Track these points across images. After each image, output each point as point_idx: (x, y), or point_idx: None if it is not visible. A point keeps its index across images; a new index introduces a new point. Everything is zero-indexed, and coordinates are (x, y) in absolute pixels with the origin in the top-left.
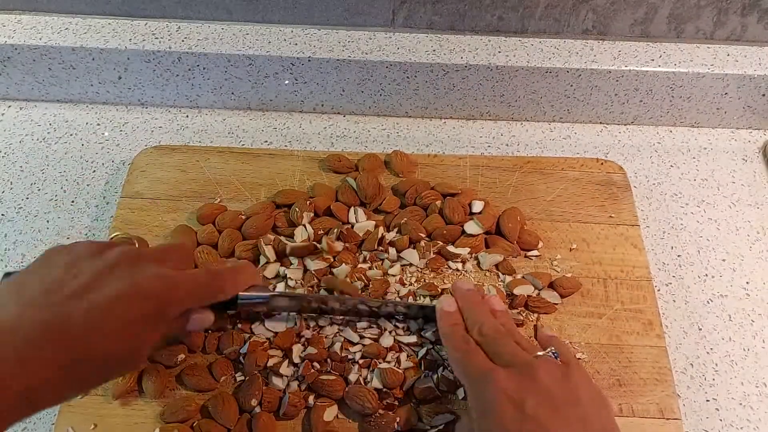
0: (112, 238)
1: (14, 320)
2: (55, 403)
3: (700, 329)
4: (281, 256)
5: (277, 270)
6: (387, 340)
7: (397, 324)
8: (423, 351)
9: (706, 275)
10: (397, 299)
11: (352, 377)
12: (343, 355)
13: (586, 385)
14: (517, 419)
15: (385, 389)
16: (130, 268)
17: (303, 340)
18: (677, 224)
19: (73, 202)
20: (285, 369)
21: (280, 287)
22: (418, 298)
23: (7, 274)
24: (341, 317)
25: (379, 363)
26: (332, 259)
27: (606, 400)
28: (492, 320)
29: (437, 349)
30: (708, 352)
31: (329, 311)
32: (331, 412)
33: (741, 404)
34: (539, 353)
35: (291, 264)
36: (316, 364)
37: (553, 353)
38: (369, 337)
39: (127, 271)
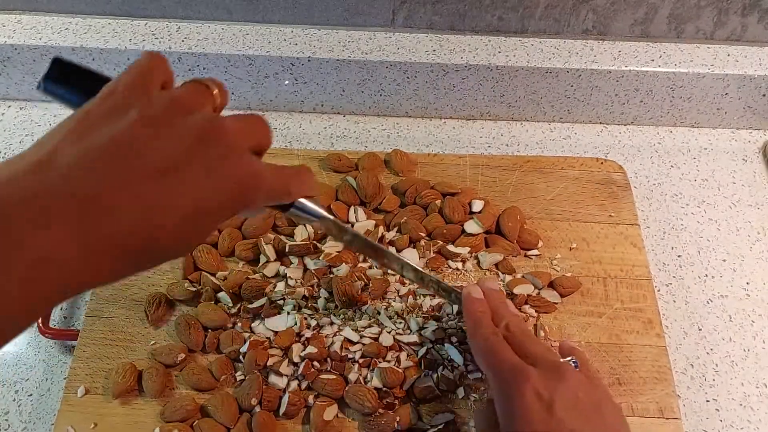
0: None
1: (69, 178)
2: (112, 279)
3: (701, 330)
4: (281, 256)
5: (277, 269)
6: (387, 339)
7: (397, 323)
8: (423, 350)
9: (707, 275)
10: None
11: (352, 376)
12: (343, 354)
13: (608, 399)
14: (545, 418)
15: (384, 389)
16: (217, 150)
17: (303, 339)
18: (677, 224)
19: None
20: (285, 368)
21: (280, 286)
22: (418, 297)
23: (58, 61)
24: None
25: (379, 362)
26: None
27: (625, 419)
28: (519, 319)
29: (437, 348)
30: (708, 353)
31: (374, 257)
32: (331, 412)
33: (741, 405)
34: (561, 360)
35: (291, 263)
36: (315, 363)
37: (574, 362)
38: (369, 336)
39: (214, 153)
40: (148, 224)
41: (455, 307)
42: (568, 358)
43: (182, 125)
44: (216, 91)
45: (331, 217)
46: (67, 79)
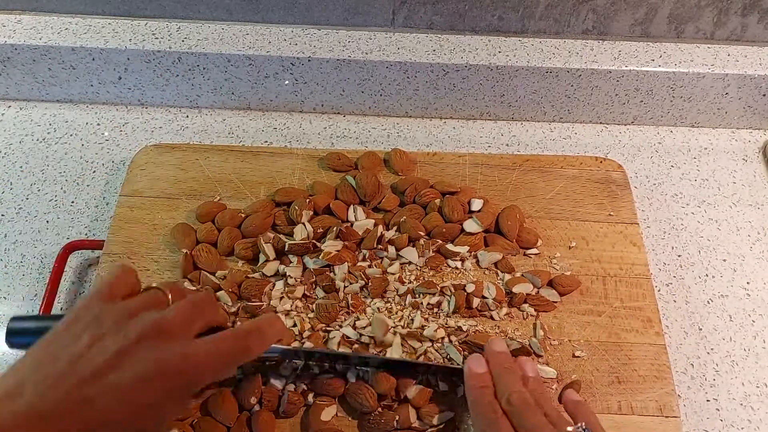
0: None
1: (35, 403)
2: None
3: (701, 329)
4: (281, 255)
5: (277, 268)
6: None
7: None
8: (421, 351)
9: (707, 275)
10: (429, 361)
11: (351, 376)
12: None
13: None
14: None
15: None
16: (155, 345)
17: (302, 339)
18: (678, 224)
19: (73, 202)
20: (284, 368)
21: (279, 285)
22: (417, 295)
23: (15, 319)
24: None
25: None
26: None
27: None
28: (522, 390)
29: (436, 347)
30: (708, 353)
31: (347, 363)
32: (329, 413)
33: (741, 404)
34: (569, 429)
35: (290, 262)
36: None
37: (585, 429)
38: (368, 335)
39: (150, 349)
40: (105, 422)
41: (452, 304)
42: (578, 425)
43: (126, 329)
44: (170, 295)
45: (293, 346)
46: (28, 331)
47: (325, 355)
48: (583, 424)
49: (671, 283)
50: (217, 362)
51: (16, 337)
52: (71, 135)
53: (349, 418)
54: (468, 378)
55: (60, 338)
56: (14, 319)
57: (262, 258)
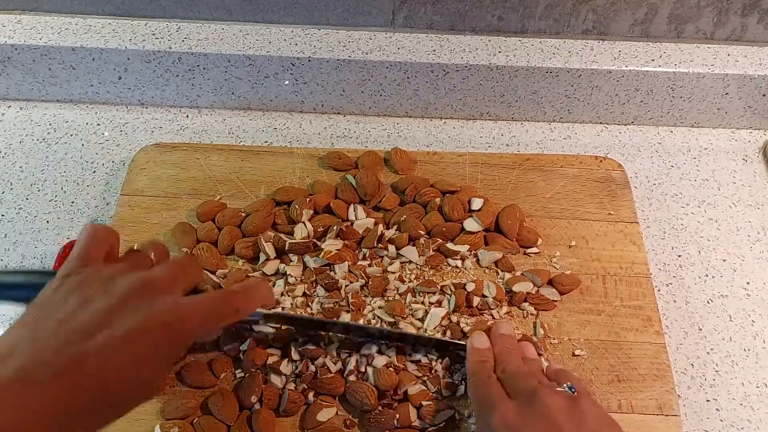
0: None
1: (25, 366)
2: None
3: (701, 329)
4: (281, 254)
5: (277, 267)
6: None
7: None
8: (417, 355)
9: (707, 275)
10: (428, 334)
11: (350, 365)
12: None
13: (594, 414)
14: None
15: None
16: (142, 301)
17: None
18: (678, 224)
19: (73, 202)
20: (284, 367)
21: (280, 284)
22: (417, 295)
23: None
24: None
25: (373, 360)
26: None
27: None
28: (519, 363)
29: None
30: (708, 353)
31: (338, 332)
32: (327, 413)
33: (741, 404)
34: (558, 389)
35: (291, 261)
36: (312, 365)
37: (570, 387)
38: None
39: (138, 305)
40: (98, 382)
41: (452, 302)
42: (564, 385)
43: (113, 288)
44: (152, 254)
45: (278, 310)
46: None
47: (309, 321)
48: (570, 383)
49: (671, 283)
50: (205, 318)
51: None
52: (71, 135)
53: (350, 417)
54: (470, 353)
55: (48, 303)
56: None
57: (262, 257)
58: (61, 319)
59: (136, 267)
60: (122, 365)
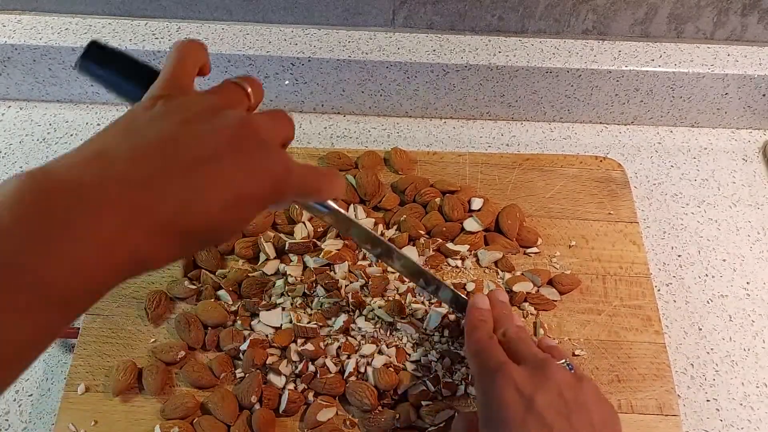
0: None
1: (127, 169)
2: (167, 260)
3: (701, 329)
4: (281, 253)
5: (277, 267)
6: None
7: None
8: (418, 353)
9: (707, 275)
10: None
11: (350, 366)
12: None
13: (595, 394)
14: (523, 414)
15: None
16: (252, 143)
17: (300, 342)
18: (677, 224)
19: None
20: (284, 367)
21: (280, 284)
22: (417, 294)
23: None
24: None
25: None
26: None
27: (614, 415)
28: (520, 327)
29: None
30: (708, 352)
31: (385, 259)
32: (327, 413)
33: (741, 404)
34: (559, 362)
35: (291, 261)
36: (312, 366)
37: (568, 365)
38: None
39: (248, 147)
40: (194, 209)
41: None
42: (562, 361)
43: (219, 123)
44: (250, 89)
45: (343, 212)
46: (105, 61)
47: (363, 232)
48: (568, 360)
49: (671, 283)
50: (303, 181)
51: (94, 65)
52: (71, 135)
53: (350, 416)
54: (471, 310)
55: (142, 115)
56: (93, 43)
57: (262, 257)
58: (163, 134)
59: (234, 104)
60: (220, 197)
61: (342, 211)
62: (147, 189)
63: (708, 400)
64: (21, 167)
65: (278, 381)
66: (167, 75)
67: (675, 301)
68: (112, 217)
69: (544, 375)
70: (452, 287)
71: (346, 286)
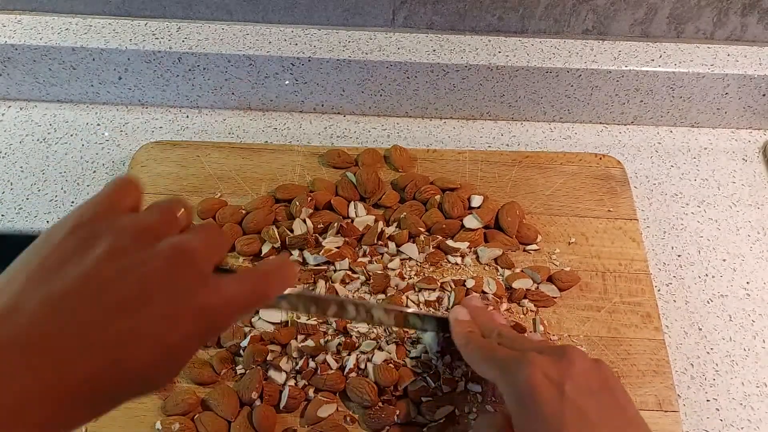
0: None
1: (38, 331)
2: (86, 420)
3: (701, 329)
4: (284, 246)
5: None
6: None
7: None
8: (418, 350)
9: (707, 275)
10: (415, 309)
11: (350, 362)
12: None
13: (612, 374)
14: (557, 401)
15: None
16: (181, 279)
17: (300, 338)
18: (677, 224)
19: (73, 202)
20: (285, 364)
21: None
22: (417, 291)
23: None
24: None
25: (373, 355)
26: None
27: (629, 396)
28: (508, 327)
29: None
30: (708, 352)
31: (345, 315)
32: (327, 410)
33: (741, 404)
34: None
35: (291, 255)
36: (312, 362)
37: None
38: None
39: (177, 284)
40: (115, 370)
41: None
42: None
43: (149, 256)
44: (181, 212)
45: (298, 291)
46: None
47: (314, 299)
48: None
49: (671, 283)
50: (244, 303)
51: None
52: (71, 135)
53: (351, 412)
54: (455, 326)
55: (60, 249)
56: None
57: (266, 247)
58: (84, 272)
59: (165, 228)
60: (149, 350)
61: (297, 291)
62: (62, 350)
63: (708, 400)
64: (21, 167)
65: (279, 377)
66: (94, 199)
67: (675, 301)
68: (16, 386)
69: (567, 360)
70: (434, 314)
71: (346, 284)
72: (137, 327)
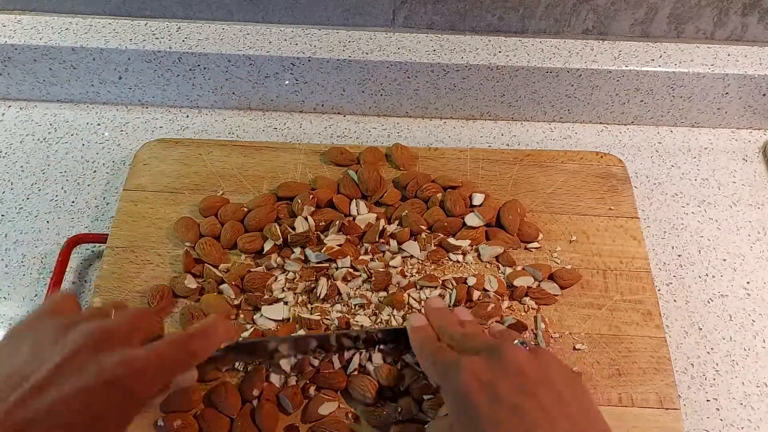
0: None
1: None
2: None
3: (701, 329)
4: (284, 246)
5: (280, 260)
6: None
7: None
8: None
9: (707, 275)
10: (368, 327)
11: (354, 365)
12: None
13: (555, 364)
14: (490, 404)
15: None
16: (93, 355)
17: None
18: (678, 224)
19: (73, 202)
20: (284, 363)
21: (282, 278)
22: (419, 289)
23: None
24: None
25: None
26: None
27: (578, 378)
28: (462, 329)
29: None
30: (708, 352)
31: (305, 350)
32: (328, 407)
33: (742, 404)
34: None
35: (293, 253)
36: (314, 360)
37: (522, 342)
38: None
39: (89, 359)
40: None
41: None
42: (516, 341)
43: (64, 341)
44: (112, 311)
45: (243, 341)
46: None
47: (259, 342)
48: (521, 338)
49: (671, 283)
50: (160, 368)
51: None
52: (72, 135)
53: (353, 409)
54: (411, 333)
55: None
56: None
57: (268, 244)
58: (11, 373)
59: (92, 318)
60: (74, 424)
61: (240, 341)
62: None
63: (708, 400)
64: (21, 167)
65: (278, 379)
66: (34, 311)
67: (675, 301)
68: None
69: (500, 358)
70: (391, 328)
71: (348, 282)
72: (51, 406)
